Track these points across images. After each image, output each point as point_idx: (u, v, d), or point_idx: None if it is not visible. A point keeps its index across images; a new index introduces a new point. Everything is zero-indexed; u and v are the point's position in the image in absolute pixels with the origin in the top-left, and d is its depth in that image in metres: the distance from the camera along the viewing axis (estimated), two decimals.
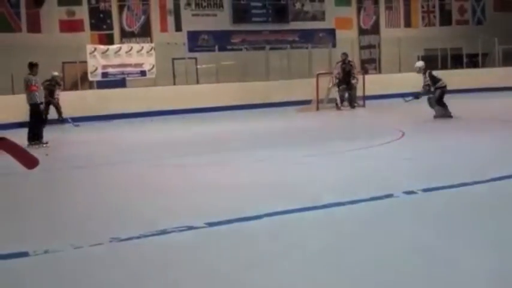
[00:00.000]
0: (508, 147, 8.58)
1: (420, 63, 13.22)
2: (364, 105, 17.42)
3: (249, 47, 21.09)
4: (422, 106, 16.63)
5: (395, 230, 4.59)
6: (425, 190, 5.82)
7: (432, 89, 12.66)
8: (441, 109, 12.61)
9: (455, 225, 4.66)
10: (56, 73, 15.71)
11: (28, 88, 11.42)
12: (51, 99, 15.18)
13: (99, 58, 17.95)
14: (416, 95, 13.32)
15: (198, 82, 20.10)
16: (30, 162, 2.06)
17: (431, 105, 12.82)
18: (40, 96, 11.65)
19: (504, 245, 4.09)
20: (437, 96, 12.62)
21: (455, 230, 4.50)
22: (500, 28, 23.29)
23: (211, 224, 4.86)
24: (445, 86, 12.68)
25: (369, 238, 4.40)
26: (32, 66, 11.55)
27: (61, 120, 15.63)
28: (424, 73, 12.87)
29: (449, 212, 5.11)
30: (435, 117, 12.62)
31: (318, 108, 16.81)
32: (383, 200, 5.54)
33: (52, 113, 15.33)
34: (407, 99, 13.42)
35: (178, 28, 20.85)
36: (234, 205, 5.63)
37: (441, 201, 5.52)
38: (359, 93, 17.35)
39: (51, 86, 15.41)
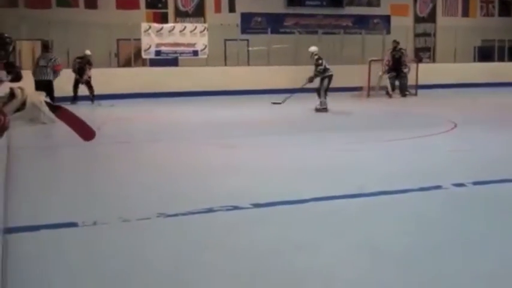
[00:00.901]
0: None
1: (314, 48, 13.26)
2: (416, 94, 17.14)
3: (302, 30, 20.94)
4: (476, 98, 16.24)
5: (441, 222, 4.54)
6: (475, 183, 5.72)
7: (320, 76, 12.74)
8: (325, 102, 12.55)
9: (503, 219, 4.58)
10: (88, 52, 15.34)
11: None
12: (80, 78, 15.10)
13: (153, 36, 18.15)
14: (310, 78, 13.16)
15: (249, 64, 20.13)
16: (88, 134, 2.10)
17: (320, 95, 12.78)
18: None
19: None
20: (326, 86, 12.66)
21: (501, 224, 4.42)
22: None
23: (257, 205, 4.90)
24: (332, 75, 12.70)
25: (414, 228, 4.37)
26: (48, 46, 12.29)
27: (92, 99, 15.16)
28: (318, 59, 12.87)
29: (498, 205, 5.01)
30: (317, 110, 12.63)
31: (368, 95, 16.64)
32: (431, 191, 5.47)
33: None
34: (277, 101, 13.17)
35: (232, 9, 20.87)
36: (281, 188, 5.66)
37: (490, 194, 5.42)
38: (411, 81, 17.07)
39: (82, 65, 15.18)
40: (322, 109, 12.65)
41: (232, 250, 3.88)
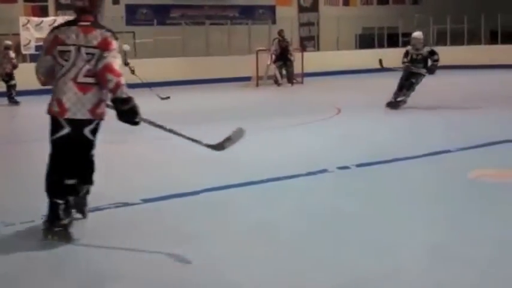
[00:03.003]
0: (444, 126, 8.87)
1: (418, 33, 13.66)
2: (302, 82, 17.58)
3: (189, 22, 20.84)
4: (358, 84, 16.95)
5: (328, 204, 4.70)
6: (358, 165, 5.97)
7: None
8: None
9: (384, 198, 4.83)
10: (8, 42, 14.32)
11: None
12: None
13: (33, 31, 17.32)
14: None
15: (136, 57, 19.73)
16: None
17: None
18: None
19: (430, 218, 4.26)
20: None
21: (383, 203, 4.67)
22: (434, 8, 23.89)
23: (146, 200, 4.85)
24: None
25: (303, 211, 4.49)
26: None
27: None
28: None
29: (380, 185, 5.27)
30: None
31: (257, 85, 16.87)
32: (317, 175, 5.66)
33: None
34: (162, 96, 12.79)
35: (116, 1, 20.39)
36: (172, 181, 5.63)
37: (372, 175, 5.69)
38: (297, 70, 17.48)
39: None
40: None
41: (119, 247, 3.82)
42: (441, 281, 3.16)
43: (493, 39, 23.19)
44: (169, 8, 21.35)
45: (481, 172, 5.54)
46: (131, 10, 20.68)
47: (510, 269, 3.30)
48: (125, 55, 14.37)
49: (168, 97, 13.67)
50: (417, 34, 11.34)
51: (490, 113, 9.75)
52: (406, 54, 11.14)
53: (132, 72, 13.25)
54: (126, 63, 14.05)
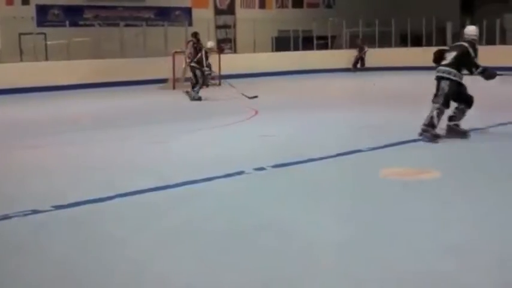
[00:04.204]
0: (356, 126, 9.12)
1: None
2: (219, 84, 17.59)
3: (103, 23, 20.41)
4: (275, 86, 17.15)
5: (244, 205, 4.73)
6: (274, 166, 6.05)
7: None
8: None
9: (299, 198, 4.90)
10: None
11: None
12: None
13: None
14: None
15: (47, 59, 19.13)
16: None
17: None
18: None
19: (342, 216, 4.37)
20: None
21: (298, 203, 4.74)
22: (347, 12, 24.56)
23: (58, 207, 4.70)
24: None
25: (221, 214, 4.50)
26: None
27: None
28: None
29: (294, 186, 5.36)
30: (194, 98, 13.32)
31: (174, 87, 16.73)
32: (234, 176, 5.68)
33: None
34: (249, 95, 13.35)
35: (25, 1, 19.68)
36: (85, 185, 5.50)
37: (288, 176, 5.77)
38: (215, 72, 17.44)
39: None
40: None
41: (41, 255, 3.69)
42: (360, 280, 3.25)
43: (402, 42, 24.10)
44: (82, 8, 20.84)
45: (390, 171, 5.73)
46: (42, 11, 20.02)
47: (419, 264, 3.43)
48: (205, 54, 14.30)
49: (256, 96, 13.21)
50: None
51: (399, 114, 10.11)
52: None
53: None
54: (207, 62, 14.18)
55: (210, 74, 15.80)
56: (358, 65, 22.84)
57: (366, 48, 22.83)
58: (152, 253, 3.71)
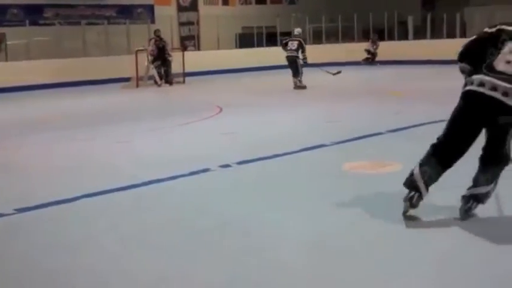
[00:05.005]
0: (320, 120, 9.20)
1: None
2: (184, 82, 17.53)
3: (63, 22, 20.13)
4: (239, 83, 17.17)
5: (209, 203, 4.74)
6: (239, 163, 6.07)
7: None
8: None
9: (264, 193, 4.93)
10: None
11: None
12: None
13: None
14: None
15: (7, 60, 18.78)
16: None
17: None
18: None
19: (304, 211, 4.41)
20: None
21: (263, 201, 4.76)
22: (310, 8, 24.71)
23: (20, 210, 4.64)
24: None
25: (187, 212, 4.50)
26: None
27: None
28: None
29: (260, 182, 5.38)
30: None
31: (138, 85, 16.61)
32: (200, 174, 5.68)
33: None
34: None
35: None
36: (50, 187, 5.44)
37: (253, 172, 5.80)
38: (178, 70, 17.40)
39: None
40: None
41: (1, 257, 3.66)
42: (320, 276, 3.29)
43: (365, 36, 24.35)
44: (41, 7, 20.51)
45: (353, 165, 5.81)
46: (1, 10, 19.64)
47: (378, 254, 3.50)
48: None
49: (340, 71, 13.03)
50: None
51: (363, 107, 10.23)
52: None
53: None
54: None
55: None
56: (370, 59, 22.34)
57: (378, 43, 22.48)
58: (118, 252, 3.69)
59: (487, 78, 3.63)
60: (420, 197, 3.95)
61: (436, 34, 21.97)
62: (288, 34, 24.83)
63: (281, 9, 25.77)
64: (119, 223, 4.29)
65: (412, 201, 3.95)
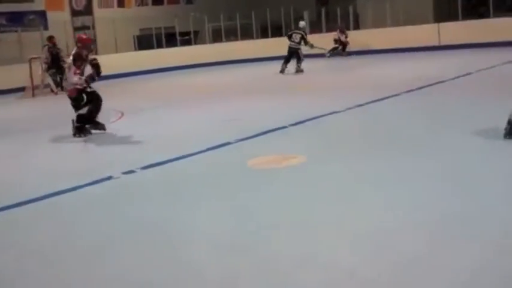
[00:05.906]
0: (222, 120, 9.19)
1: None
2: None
3: None
4: (138, 86, 16.89)
5: (116, 209, 4.62)
6: (143, 168, 5.94)
7: None
8: None
9: (170, 198, 4.86)
10: None
11: None
12: None
13: None
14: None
15: None
16: None
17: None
18: None
19: (213, 209, 4.39)
20: None
21: (171, 203, 4.70)
22: (208, 7, 24.66)
23: None
24: None
25: (94, 221, 4.35)
26: None
27: None
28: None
29: (165, 185, 5.31)
30: None
31: (34, 95, 15.94)
32: (103, 182, 5.51)
33: None
34: None
35: None
36: None
37: (158, 177, 5.70)
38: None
39: None
40: None
41: None
42: (234, 274, 3.27)
43: (263, 33, 24.62)
44: None
45: (258, 160, 5.84)
46: None
47: (302, 250, 3.52)
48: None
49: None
50: None
51: (264, 104, 10.32)
52: None
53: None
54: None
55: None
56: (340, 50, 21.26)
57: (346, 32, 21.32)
58: (17, 273, 3.51)
59: None
60: None
61: (330, 27, 22.49)
62: (188, 34, 24.82)
63: (179, 9, 25.55)
64: (18, 240, 4.09)
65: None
